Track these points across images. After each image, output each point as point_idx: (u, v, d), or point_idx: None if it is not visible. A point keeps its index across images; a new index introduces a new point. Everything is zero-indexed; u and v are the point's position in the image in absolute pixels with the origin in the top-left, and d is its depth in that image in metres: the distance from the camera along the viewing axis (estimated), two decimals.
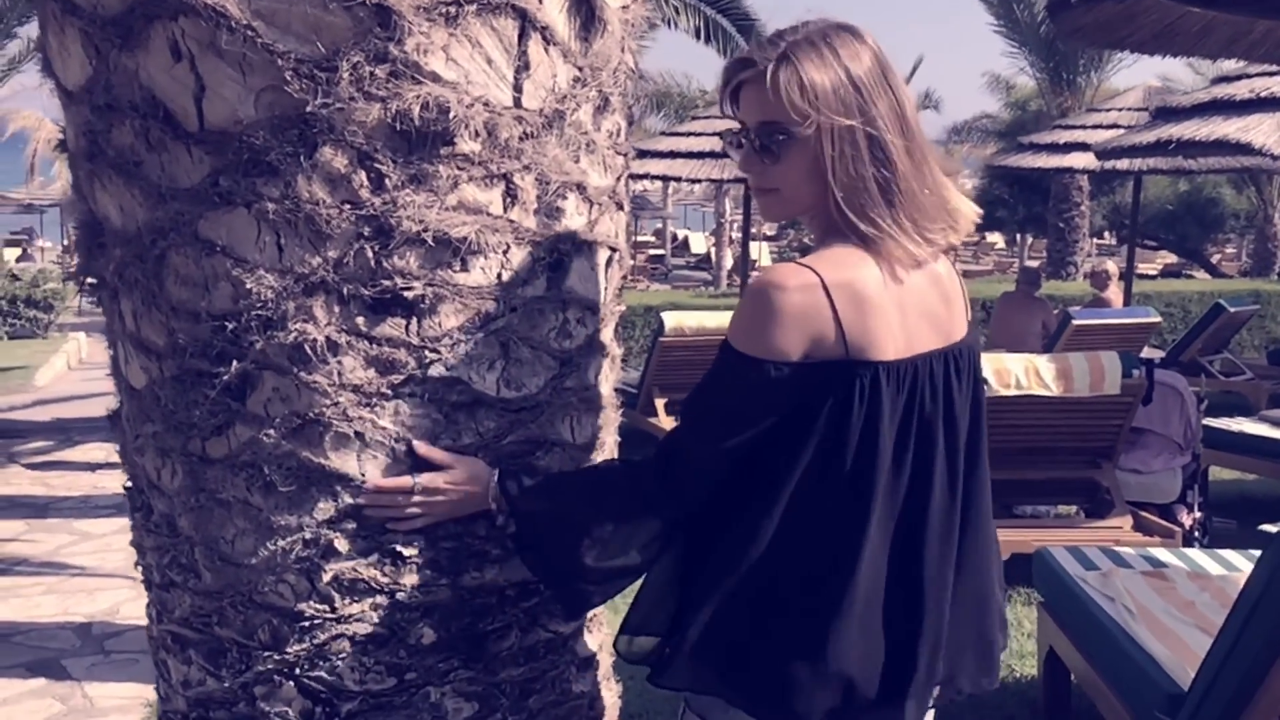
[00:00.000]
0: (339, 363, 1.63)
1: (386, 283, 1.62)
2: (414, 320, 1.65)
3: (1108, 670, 3.07)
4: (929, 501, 1.49)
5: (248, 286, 1.61)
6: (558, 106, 1.71)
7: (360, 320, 1.63)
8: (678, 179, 10.56)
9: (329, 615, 1.70)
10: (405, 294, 1.62)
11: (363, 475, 1.66)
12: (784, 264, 1.44)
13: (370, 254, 1.61)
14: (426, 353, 1.66)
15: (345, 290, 1.62)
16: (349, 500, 1.67)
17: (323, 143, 1.57)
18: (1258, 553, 3.95)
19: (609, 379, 1.95)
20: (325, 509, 1.67)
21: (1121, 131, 9.38)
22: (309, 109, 1.56)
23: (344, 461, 1.66)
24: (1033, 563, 3.90)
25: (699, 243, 31.50)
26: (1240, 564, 3.73)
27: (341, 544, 1.68)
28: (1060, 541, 4.87)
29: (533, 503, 1.66)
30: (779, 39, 1.45)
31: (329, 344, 1.62)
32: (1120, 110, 10.34)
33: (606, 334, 1.92)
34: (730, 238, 22.91)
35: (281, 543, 1.68)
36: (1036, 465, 5.31)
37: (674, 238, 32.46)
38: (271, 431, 1.65)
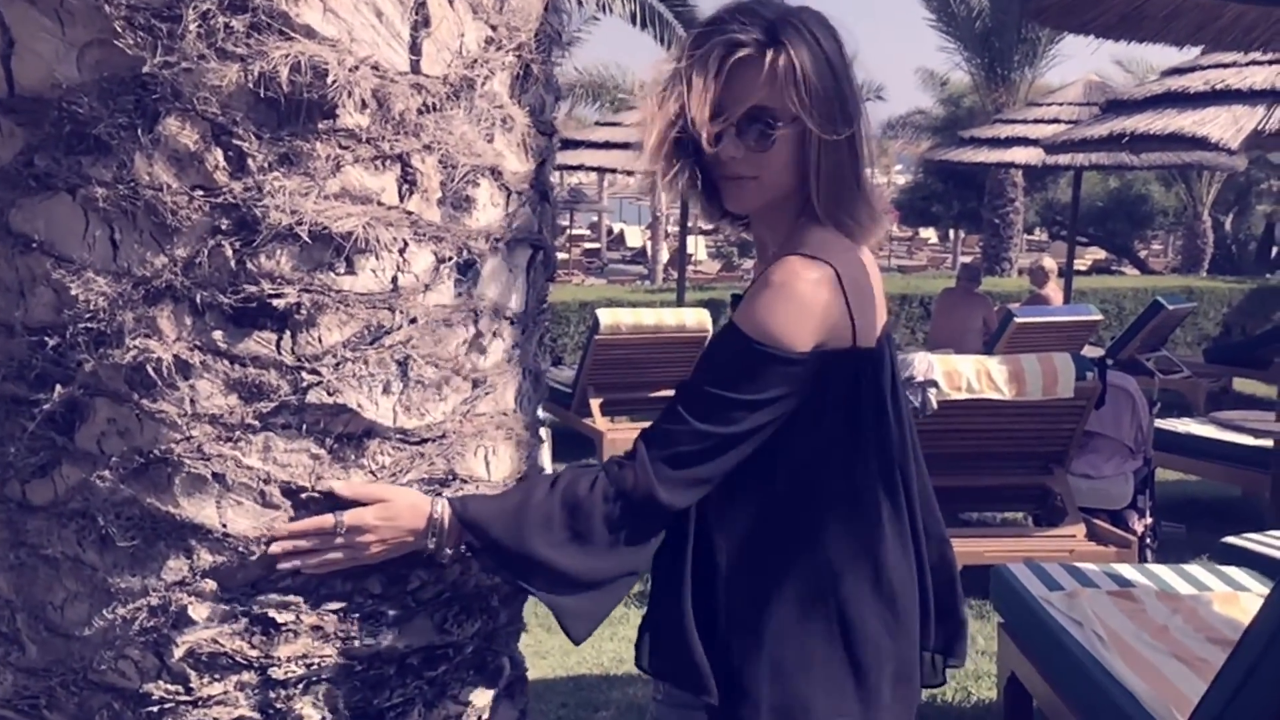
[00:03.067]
0: (191, 387, 1.31)
1: (251, 288, 1.30)
2: (286, 334, 1.33)
3: (1079, 703, 2.84)
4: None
5: (74, 293, 1.29)
6: (466, 73, 1.40)
7: (218, 335, 1.31)
8: (613, 170, 10.26)
9: (183, 698, 1.37)
10: (274, 302, 1.31)
11: (223, 526, 1.34)
12: (796, 257, 1.40)
13: (230, 252, 1.29)
14: (303, 374, 1.34)
15: (198, 297, 1.30)
16: (207, 557, 1.35)
17: (166, 112, 1.25)
18: (1226, 569, 3.77)
19: (532, 401, 1.65)
20: (176, 568, 1.35)
21: (1063, 126, 9.24)
22: (146, 69, 1.24)
23: (199, 509, 1.34)
24: (990, 580, 3.67)
25: (635, 236, 31.22)
26: (1209, 581, 3.53)
27: (198, 610, 1.36)
28: (1012, 552, 4.68)
29: (500, 525, 1.39)
30: (753, 16, 1.39)
31: (178, 364, 1.30)
32: (1061, 105, 10.20)
33: (529, 348, 1.62)
34: (666, 232, 22.66)
35: (122, 610, 1.36)
36: (986, 471, 5.09)
37: (609, 231, 32.16)
38: (107, 473, 1.33)
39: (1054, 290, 10.05)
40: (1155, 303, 9.74)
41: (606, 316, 7.41)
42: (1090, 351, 8.80)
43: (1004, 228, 18.61)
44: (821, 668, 1.46)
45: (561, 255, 24.90)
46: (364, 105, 1.31)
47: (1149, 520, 5.49)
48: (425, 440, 1.45)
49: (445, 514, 1.39)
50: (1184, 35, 3.56)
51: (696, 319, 7.45)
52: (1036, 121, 10.13)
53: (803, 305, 1.37)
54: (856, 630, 1.47)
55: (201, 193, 1.28)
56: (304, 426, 1.36)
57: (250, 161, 1.28)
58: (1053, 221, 25.56)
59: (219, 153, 1.27)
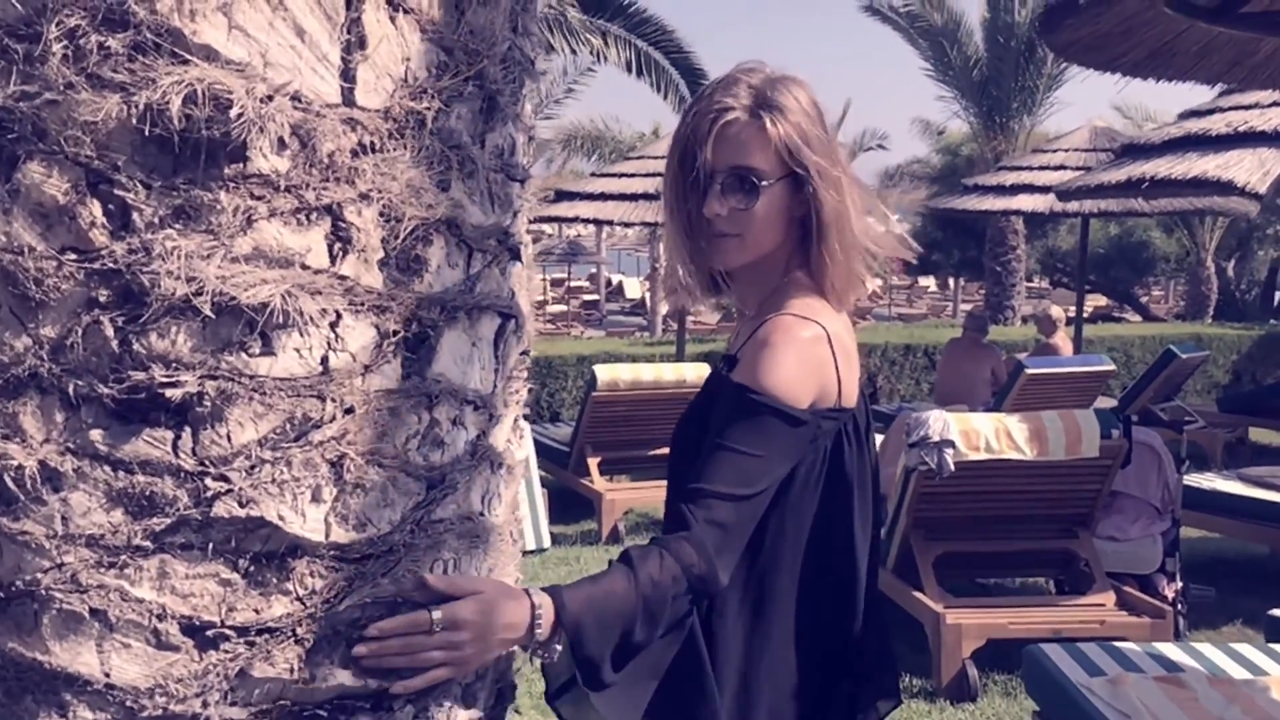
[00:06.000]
0: (64, 502, 1.04)
1: (138, 375, 1.03)
2: (185, 432, 1.06)
3: None
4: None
5: None
6: (413, 106, 1.14)
7: (97, 435, 1.04)
8: (609, 222, 10.03)
9: None
10: (169, 392, 1.04)
11: (106, 675, 1.06)
12: (788, 317, 1.44)
13: (111, 331, 1.03)
14: (207, 481, 1.07)
15: (71, 388, 1.03)
16: (85, 715, 1.07)
17: (27, 156, 0.99)
18: (1278, 646, 3.47)
19: (503, 499, 1.38)
20: None
21: (1070, 173, 9.00)
22: (0, 103, 0.97)
23: (74, 655, 1.06)
24: (1023, 662, 3.37)
25: (634, 288, 31.05)
26: (1262, 663, 3.23)
27: None
28: (1039, 624, 4.38)
29: (590, 619, 1.29)
30: (736, 83, 1.45)
31: (46, 473, 1.03)
32: (1067, 151, 9.99)
33: (499, 435, 1.35)
34: None
35: None
36: (1007, 535, 4.78)
37: (608, 283, 32.01)
38: None
39: (1062, 340, 9.79)
40: (1168, 351, 9.45)
41: (604, 373, 7.13)
42: (1102, 402, 8.53)
43: (1006, 276, 18.40)
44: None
45: (560, 308, 24.70)
46: (282, 145, 1.05)
47: (1179, 585, 5.18)
48: (367, 557, 1.17)
49: (546, 605, 1.26)
50: (1216, 73, 3.32)
51: (697, 374, 7.17)
52: (1042, 168, 9.91)
53: (803, 362, 1.42)
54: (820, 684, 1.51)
55: (74, 257, 1.01)
56: (210, 546, 1.08)
57: (136, 217, 1.02)
58: (1054, 269, 25.35)
59: (96, 206, 1.01)
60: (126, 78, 0.98)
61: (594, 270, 33.08)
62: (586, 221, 10.17)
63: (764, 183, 1.43)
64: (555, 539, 6.66)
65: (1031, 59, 18.05)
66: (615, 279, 33.41)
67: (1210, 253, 21.56)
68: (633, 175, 9.49)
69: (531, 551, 6.45)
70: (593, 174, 12.02)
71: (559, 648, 1.30)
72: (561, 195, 10.17)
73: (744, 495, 1.39)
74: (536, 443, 7.02)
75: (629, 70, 13.50)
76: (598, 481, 7.10)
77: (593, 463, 7.19)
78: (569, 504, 7.25)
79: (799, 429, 1.41)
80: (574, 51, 12.36)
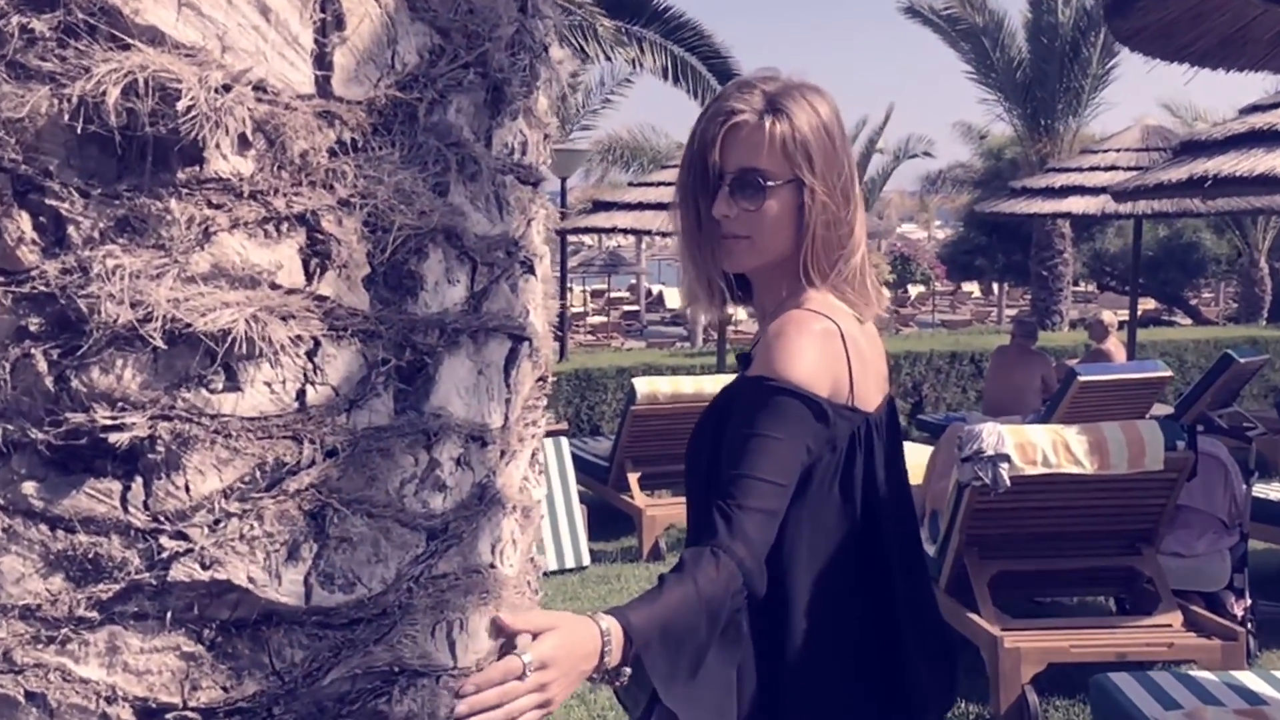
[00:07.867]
0: None
1: (77, 417, 0.88)
2: (136, 483, 0.90)
3: None
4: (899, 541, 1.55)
5: None
6: (402, 96, 0.97)
7: (31, 488, 0.89)
8: (648, 232, 9.89)
9: None
10: (114, 437, 0.88)
11: None
12: (799, 311, 1.45)
13: (44, 365, 0.87)
14: (164, 540, 0.91)
15: None
16: None
17: None
18: None
19: (520, 547, 1.21)
20: None
21: (1121, 173, 8.73)
22: None
23: None
24: (1091, 693, 3.16)
25: (674, 298, 30.92)
26: None
27: None
28: (1103, 647, 4.15)
29: (657, 638, 1.25)
30: (750, 87, 1.47)
31: None
32: (1119, 151, 9.70)
33: (513, 474, 1.18)
34: None
35: None
36: (1067, 553, 4.56)
37: (648, 293, 31.90)
38: None
39: (1114, 345, 9.52)
40: (1225, 356, 9.13)
41: (643, 386, 6.97)
42: (1158, 409, 8.25)
43: (1053, 280, 18.07)
44: None
45: (600, 319, 24.59)
46: (245, 143, 0.89)
47: (1248, 601, 4.93)
48: (356, 622, 1.01)
49: (615, 629, 1.21)
50: None
51: None
52: (1093, 169, 9.64)
53: (817, 352, 1.41)
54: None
55: None
56: (168, 616, 0.93)
57: (72, 230, 0.86)
58: (1101, 272, 24.91)
59: (24, 219, 0.86)
60: (56, 66, 0.83)
61: (634, 281, 33.00)
62: (625, 232, 10.04)
63: (770, 184, 1.44)
64: (595, 556, 6.51)
65: (1076, 59, 17.74)
66: (655, 289, 33.33)
67: (1264, 253, 21.05)
68: (670, 184, 9.31)
69: (571, 569, 6.30)
70: (630, 184, 11.88)
71: (629, 671, 1.24)
72: (599, 206, 10.04)
73: (781, 482, 1.38)
74: (575, 457, 6.88)
75: (665, 77, 13.33)
76: (638, 497, 6.93)
77: (633, 478, 7.02)
78: (609, 520, 7.09)
79: (819, 419, 1.41)
80: (609, 58, 12.20)
